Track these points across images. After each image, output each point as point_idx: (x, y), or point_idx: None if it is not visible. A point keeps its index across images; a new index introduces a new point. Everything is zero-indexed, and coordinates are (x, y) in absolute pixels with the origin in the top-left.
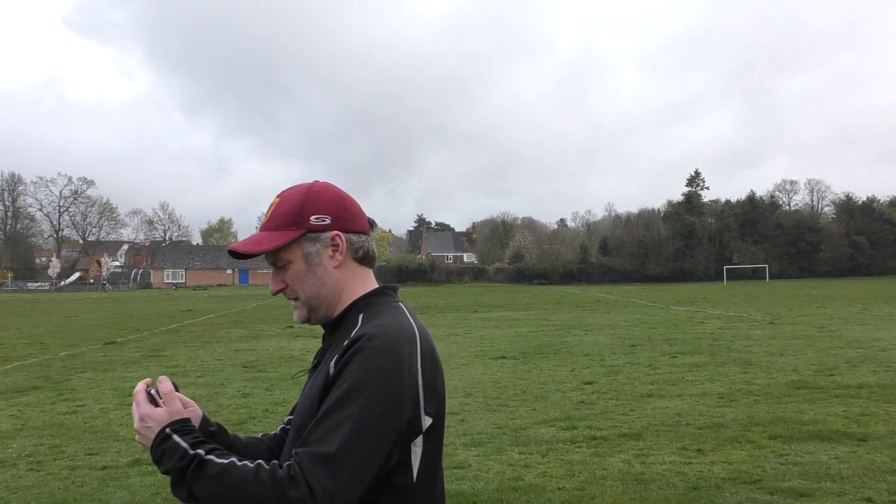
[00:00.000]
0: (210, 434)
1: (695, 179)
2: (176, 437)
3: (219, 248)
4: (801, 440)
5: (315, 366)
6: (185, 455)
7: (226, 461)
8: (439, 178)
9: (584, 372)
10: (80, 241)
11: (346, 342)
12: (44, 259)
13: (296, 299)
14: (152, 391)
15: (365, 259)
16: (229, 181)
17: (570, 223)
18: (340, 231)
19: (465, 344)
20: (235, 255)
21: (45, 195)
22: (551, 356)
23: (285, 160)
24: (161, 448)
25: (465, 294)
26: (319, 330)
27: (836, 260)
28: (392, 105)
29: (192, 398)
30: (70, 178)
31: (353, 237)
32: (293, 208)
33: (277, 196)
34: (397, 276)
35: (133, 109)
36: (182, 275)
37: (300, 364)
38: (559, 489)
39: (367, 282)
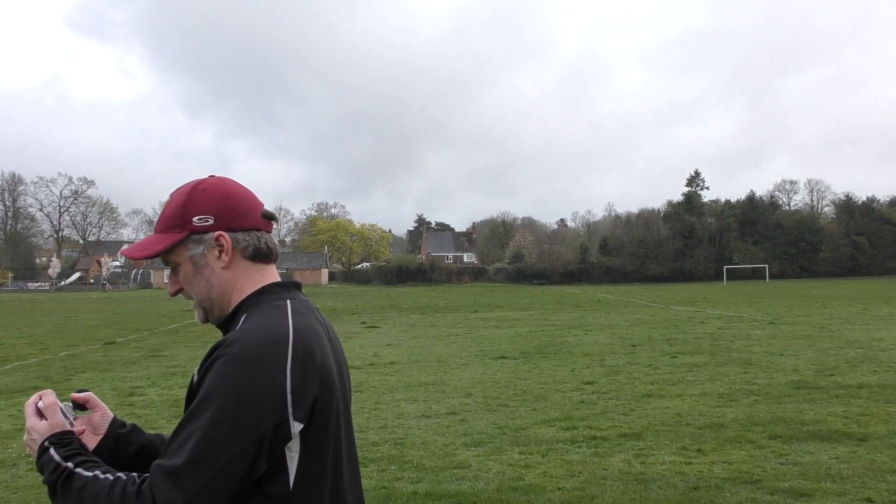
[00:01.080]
0: (119, 435)
1: (695, 179)
2: (52, 450)
3: None
4: (802, 440)
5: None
6: (57, 467)
7: (89, 475)
8: (441, 178)
9: (584, 372)
10: (81, 241)
11: (210, 347)
12: (44, 259)
13: (192, 300)
14: (39, 405)
15: (257, 256)
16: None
17: (570, 223)
18: (224, 231)
19: (465, 344)
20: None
21: (46, 195)
22: (551, 356)
23: (287, 160)
24: (41, 461)
25: (465, 294)
26: None
27: (836, 260)
28: (394, 105)
29: None
30: (70, 178)
31: (241, 235)
32: (175, 210)
33: (170, 194)
34: (397, 275)
35: (134, 109)
36: None
37: None
38: (559, 489)
39: (260, 279)
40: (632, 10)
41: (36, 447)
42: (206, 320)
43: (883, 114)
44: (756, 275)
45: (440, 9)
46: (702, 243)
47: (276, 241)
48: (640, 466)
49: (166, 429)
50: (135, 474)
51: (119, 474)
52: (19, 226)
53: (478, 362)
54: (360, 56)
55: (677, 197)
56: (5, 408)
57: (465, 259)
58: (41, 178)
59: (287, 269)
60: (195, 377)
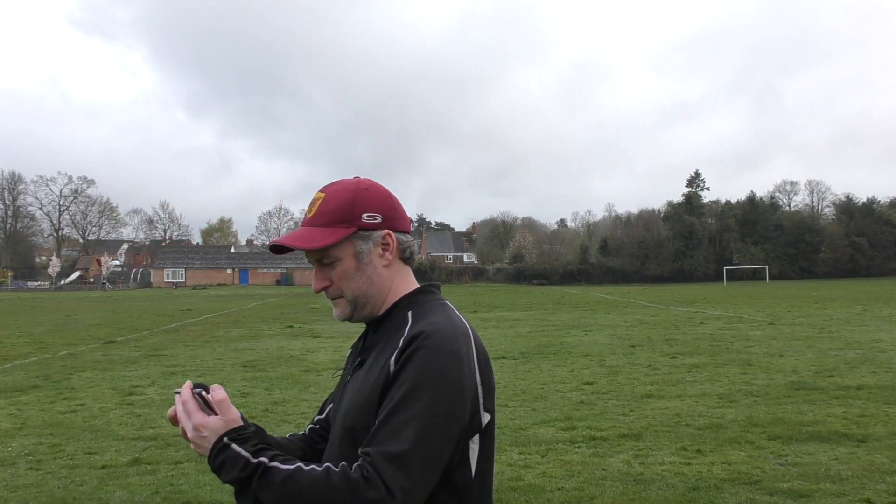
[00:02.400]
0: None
1: (695, 180)
2: (235, 447)
3: (219, 248)
4: (801, 441)
5: (360, 363)
6: (247, 464)
7: (291, 467)
8: (442, 177)
9: (583, 372)
10: (80, 241)
11: (401, 339)
12: (44, 258)
13: (339, 297)
14: (203, 394)
15: (409, 258)
16: (231, 180)
17: (570, 223)
18: (390, 230)
19: None
20: (278, 249)
21: (45, 194)
22: (551, 356)
23: (289, 159)
24: (220, 458)
25: (465, 294)
26: (319, 330)
27: (836, 261)
28: (396, 104)
29: None
30: (70, 178)
31: (402, 237)
32: (343, 205)
33: (321, 191)
34: None
35: (136, 108)
36: (182, 274)
37: (300, 363)
38: (558, 489)
39: (410, 280)
40: (636, 11)
41: (209, 444)
42: (348, 318)
43: (886, 115)
44: (756, 275)
45: (444, 8)
46: (702, 244)
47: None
48: (639, 467)
49: (166, 428)
50: (343, 463)
51: (326, 463)
52: (19, 225)
53: None
54: (363, 55)
55: (677, 197)
56: (5, 406)
57: (465, 259)
58: (41, 178)
59: (287, 268)
60: (391, 367)
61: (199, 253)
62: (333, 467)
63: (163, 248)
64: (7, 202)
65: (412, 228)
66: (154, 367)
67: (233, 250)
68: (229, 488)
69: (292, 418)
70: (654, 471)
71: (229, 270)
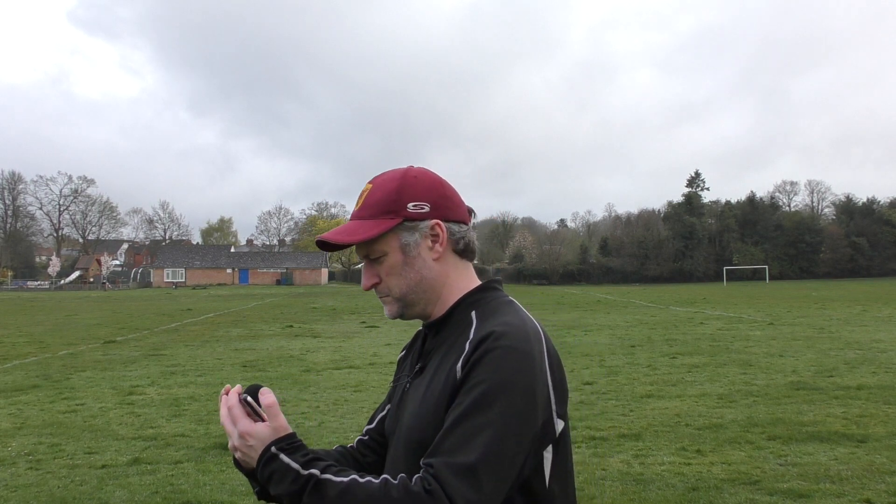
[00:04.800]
0: None
1: (695, 180)
2: (284, 457)
3: (219, 248)
4: (801, 441)
5: (420, 370)
6: (297, 477)
7: (346, 479)
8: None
9: (583, 372)
10: (80, 240)
11: (467, 342)
12: (44, 258)
13: (387, 295)
14: (248, 399)
15: (465, 251)
16: (233, 180)
17: (570, 223)
18: (440, 220)
19: None
20: (325, 246)
21: (45, 194)
22: None
23: (292, 159)
24: (269, 469)
25: None
26: (319, 330)
27: (835, 261)
28: (400, 103)
29: (191, 397)
30: (70, 177)
31: (454, 227)
32: (388, 195)
33: (370, 182)
34: None
35: (139, 107)
36: (182, 274)
37: (300, 363)
38: None
39: (470, 276)
40: (643, 9)
41: (256, 454)
42: (399, 316)
43: (891, 115)
44: (756, 276)
45: (449, 6)
46: (702, 244)
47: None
48: (639, 467)
49: (166, 428)
50: (402, 475)
51: (384, 476)
52: (19, 224)
53: None
54: (367, 54)
55: (678, 197)
56: (5, 406)
57: None
58: (41, 177)
59: (287, 268)
60: (458, 371)
61: (199, 253)
62: (392, 480)
63: (163, 248)
64: (7, 202)
65: (472, 218)
66: (154, 367)
67: (233, 250)
68: (229, 488)
69: (292, 418)
70: (653, 471)
71: (229, 270)
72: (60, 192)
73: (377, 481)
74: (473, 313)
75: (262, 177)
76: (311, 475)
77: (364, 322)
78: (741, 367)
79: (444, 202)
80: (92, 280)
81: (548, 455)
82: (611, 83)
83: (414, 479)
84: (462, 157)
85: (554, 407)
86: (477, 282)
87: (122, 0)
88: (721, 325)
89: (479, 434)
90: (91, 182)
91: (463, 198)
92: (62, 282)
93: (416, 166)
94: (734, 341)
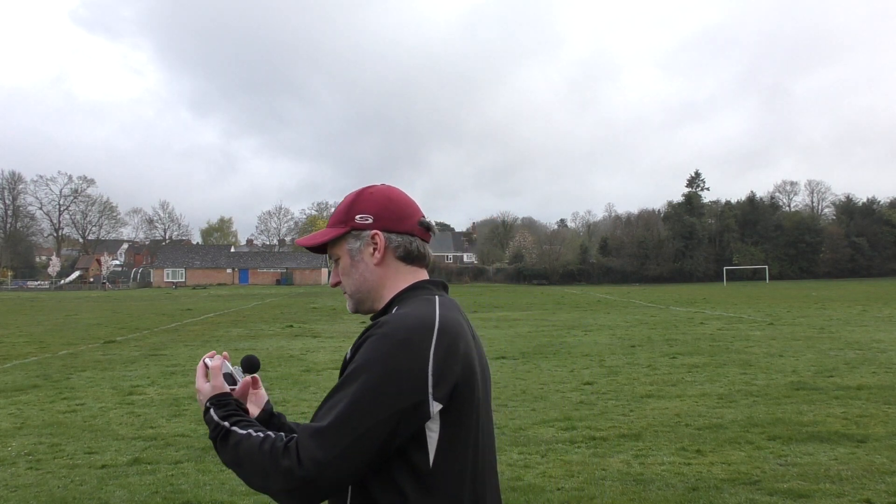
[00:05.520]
0: (272, 414)
1: (695, 180)
2: (212, 411)
3: (219, 248)
4: (801, 441)
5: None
6: (217, 427)
7: (243, 432)
8: (447, 177)
9: (583, 372)
10: (80, 240)
11: (364, 329)
12: (44, 257)
13: (345, 293)
14: (228, 366)
15: (408, 258)
16: (234, 180)
17: (570, 223)
18: (381, 230)
19: None
20: (311, 248)
21: (45, 194)
22: (551, 356)
23: (293, 158)
24: (205, 419)
25: (465, 294)
26: (319, 330)
27: (835, 261)
28: (402, 103)
29: (191, 397)
30: (70, 177)
31: (394, 236)
32: (344, 207)
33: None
34: None
35: (140, 107)
36: (182, 274)
37: (299, 363)
38: (558, 489)
39: (411, 278)
40: (644, 9)
41: (201, 407)
42: (355, 311)
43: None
44: (756, 276)
45: (451, 6)
46: (702, 244)
47: (429, 250)
48: (639, 467)
49: (166, 428)
50: (282, 433)
51: (269, 433)
52: (19, 224)
53: None
54: (369, 54)
55: (678, 198)
56: (5, 406)
57: (465, 259)
58: (41, 177)
59: (287, 268)
60: (348, 354)
61: (199, 253)
62: (272, 436)
63: (163, 248)
64: (7, 202)
65: (427, 229)
66: (154, 367)
67: (233, 250)
68: (229, 488)
69: (292, 418)
70: (653, 471)
71: (229, 270)
72: (60, 192)
73: (262, 435)
74: (395, 308)
75: (263, 177)
76: (224, 426)
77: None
78: (741, 367)
79: (386, 214)
80: (92, 280)
81: (432, 434)
82: (613, 83)
83: (287, 437)
84: (463, 157)
85: (430, 390)
86: (413, 282)
87: (125, 0)
88: (721, 325)
89: (337, 405)
90: (91, 182)
91: (422, 212)
92: (62, 282)
93: (382, 185)
94: (734, 341)
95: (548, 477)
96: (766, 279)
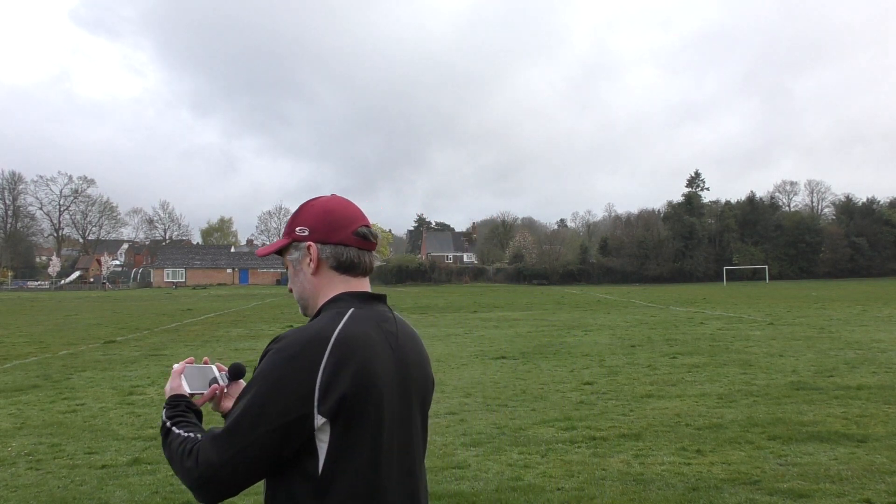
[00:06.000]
0: None
1: (695, 180)
2: (164, 410)
3: (219, 248)
4: (801, 441)
5: None
6: (162, 424)
7: (177, 431)
8: (447, 176)
9: (583, 372)
10: (80, 240)
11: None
12: (44, 258)
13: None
14: (214, 370)
15: (340, 268)
16: (235, 180)
17: (570, 223)
18: (315, 242)
19: (464, 344)
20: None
21: (46, 194)
22: (551, 356)
23: (294, 158)
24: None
25: (465, 294)
26: None
27: (835, 261)
28: (403, 103)
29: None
30: (70, 177)
31: (327, 248)
32: (290, 220)
33: None
34: (397, 275)
35: (141, 107)
36: (182, 274)
37: None
38: (558, 489)
39: (341, 288)
40: (646, 8)
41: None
42: (304, 314)
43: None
44: (756, 276)
45: (452, 6)
46: (701, 244)
47: (370, 258)
48: (639, 467)
49: None
50: (199, 435)
51: (195, 434)
52: (19, 224)
53: (477, 362)
54: (370, 54)
55: (678, 198)
56: (5, 406)
57: (465, 259)
58: (41, 177)
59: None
60: (258, 363)
61: (200, 253)
62: (193, 437)
63: (163, 248)
64: (7, 202)
65: (364, 237)
66: (154, 367)
67: (233, 250)
68: None
69: None
70: (653, 471)
71: (229, 270)
72: (60, 192)
73: (185, 436)
74: (311, 320)
75: (264, 177)
76: (165, 424)
77: None
78: (741, 367)
79: (322, 227)
80: (92, 280)
81: (322, 444)
82: (614, 83)
83: (199, 440)
84: (464, 157)
85: (316, 405)
86: (340, 292)
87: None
88: (721, 325)
89: (233, 413)
90: (91, 182)
91: (366, 220)
92: (62, 282)
93: (328, 196)
94: (734, 341)
95: (548, 477)
96: (765, 279)
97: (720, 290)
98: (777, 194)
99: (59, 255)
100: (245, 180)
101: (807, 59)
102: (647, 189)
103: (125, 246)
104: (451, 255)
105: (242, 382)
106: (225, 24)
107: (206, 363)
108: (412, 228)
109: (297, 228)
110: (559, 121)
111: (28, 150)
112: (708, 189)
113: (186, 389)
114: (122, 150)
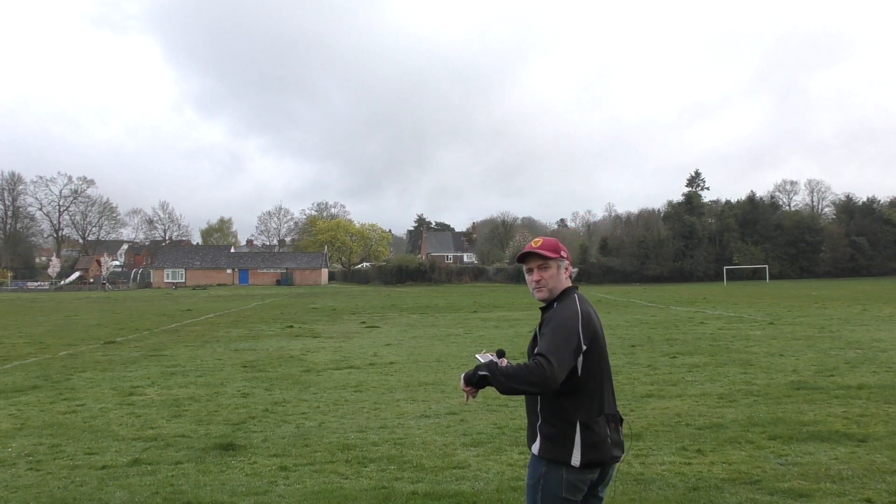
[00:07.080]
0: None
1: (695, 180)
2: (475, 373)
3: (219, 248)
4: (801, 441)
5: (540, 325)
6: (483, 376)
7: (508, 363)
8: (454, 176)
9: None
10: (80, 241)
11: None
12: (44, 258)
13: (545, 287)
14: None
15: (571, 278)
16: (239, 180)
17: (570, 223)
18: (569, 264)
19: (464, 344)
20: (529, 253)
21: (45, 194)
22: None
23: (301, 158)
24: (477, 377)
25: (465, 294)
26: (319, 330)
27: (836, 260)
28: (410, 102)
29: (191, 397)
30: (70, 178)
31: (572, 268)
32: (556, 246)
33: (539, 238)
34: (397, 275)
35: (146, 106)
36: (182, 274)
37: (300, 364)
38: None
39: (569, 285)
40: (656, 8)
41: (473, 378)
42: (545, 299)
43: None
44: (756, 275)
45: (461, 5)
46: (702, 244)
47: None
48: (639, 467)
49: (166, 428)
50: (520, 362)
51: (517, 363)
52: (19, 225)
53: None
54: (378, 53)
55: (678, 197)
56: (5, 407)
57: (465, 259)
58: (41, 178)
59: (287, 268)
60: (537, 330)
61: (199, 253)
62: (526, 363)
63: (163, 249)
64: (7, 202)
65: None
66: (154, 368)
67: (233, 250)
68: (230, 488)
69: (292, 418)
70: (654, 471)
71: (229, 271)
72: (60, 192)
73: (520, 362)
74: (555, 303)
75: (269, 176)
76: (489, 369)
77: (364, 322)
78: (741, 366)
79: (568, 257)
80: (92, 281)
81: (580, 361)
82: (623, 82)
83: (531, 360)
84: (471, 157)
85: (581, 337)
86: (568, 286)
87: None
88: (721, 324)
89: (548, 342)
90: (91, 182)
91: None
92: (62, 282)
93: (554, 238)
94: (734, 341)
95: None
96: (766, 279)
97: (720, 289)
98: (777, 194)
99: (58, 256)
100: (249, 180)
101: (818, 58)
102: (654, 189)
103: (125, 246)
104: (451, 255)
105: (505, 360)
106: (231, 22)
107: (486, 353)
108: (412, 228)
109: (563, 253)
110: (567, 120)
111: (29, 150)
112: (708, 189)
113: (480, 360)
114: (127, 149)
